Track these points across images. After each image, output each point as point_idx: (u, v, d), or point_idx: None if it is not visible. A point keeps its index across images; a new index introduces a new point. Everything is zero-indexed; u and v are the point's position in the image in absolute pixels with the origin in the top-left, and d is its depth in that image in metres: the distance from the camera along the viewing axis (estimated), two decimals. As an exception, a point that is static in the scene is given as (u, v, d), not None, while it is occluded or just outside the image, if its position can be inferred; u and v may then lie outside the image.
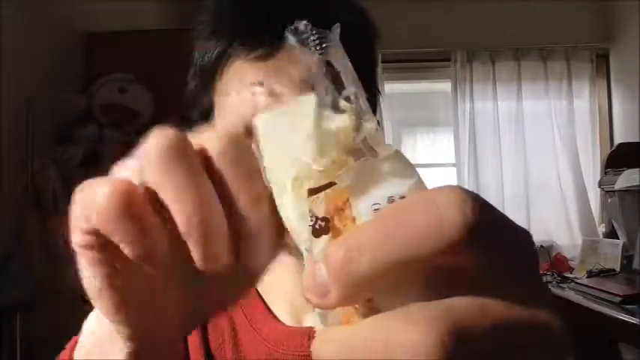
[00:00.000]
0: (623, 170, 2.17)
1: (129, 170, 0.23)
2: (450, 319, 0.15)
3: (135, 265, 0.21)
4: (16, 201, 1.55)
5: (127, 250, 0.21)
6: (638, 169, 2.06)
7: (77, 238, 0.22)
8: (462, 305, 0.16)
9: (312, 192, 0.19)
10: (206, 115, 0.58)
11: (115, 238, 0.21)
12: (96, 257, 0.22)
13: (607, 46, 3.13)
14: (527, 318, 0.17)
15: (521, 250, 0.18)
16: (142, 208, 0.21)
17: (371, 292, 0.17)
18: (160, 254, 0.21)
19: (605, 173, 2.40)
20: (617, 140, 3.01)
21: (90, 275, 0.22)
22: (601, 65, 3.15)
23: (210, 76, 0.55)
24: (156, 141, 0.22)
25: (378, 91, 0.63)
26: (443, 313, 0.16)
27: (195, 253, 0.21)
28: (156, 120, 1.73)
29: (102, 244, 0.22)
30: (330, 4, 0.55)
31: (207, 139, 0.23)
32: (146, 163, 0.22)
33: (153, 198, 0.22)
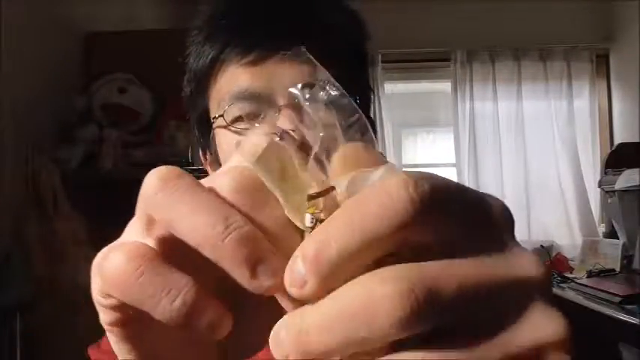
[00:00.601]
0: (623, 170, 2.17)
1: (135, 227, 0.22)
2: (419, 275, 0.18)
3: (165, 333, 0.21)
4: (16, 201, 1.55)
5: (158, 315, 0.20)
6: (638, 169, 2.06)
7: (103, 316, 0.22)
8: (431, 264, 0.18)
9: (312, 197, 0.21)
10: (203, 118, 0.58)
11: (141, 305, 0.20)
12: (124, 334, 0.22)
13: (607, 46, 3.13)
14: (494, 273, 0.19)
15: (482, 215, 0.20)
16: (160, 266, 0.20)
17: (346, 278, 0.18)
18: (195, 311, 0.20)
19: (605, 173, 2.40)
20: (617, 140, 3.01)
21: (121, 351, 0.22)
22: (601, 65, 3.15)
23: (204, 81, 0.56)
24: (150, 179, 0.21)
25: (372, 90, 0.64)
26: (413, 270, 0.18)
27: (237, 271, 0.19)
28: (156, 120, 1.71)
29: (129, 318, 0.21)
30: (321, 7, 0.55)
31: (218, 178, 0.21)
32: (145, 204, 0.21)
33: (175, 253, 0.21)
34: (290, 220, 0.21)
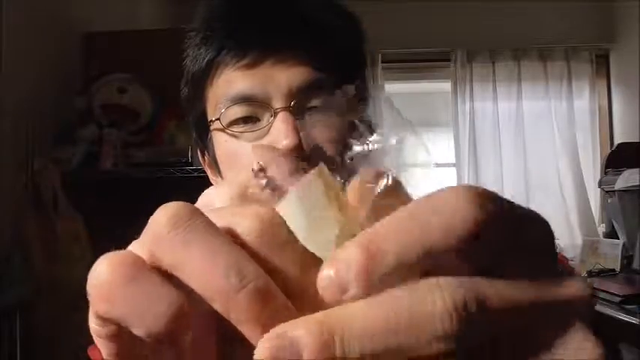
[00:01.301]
0: (623, 170, 2.17)
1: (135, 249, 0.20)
2: (471, 287, 0.17)
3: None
4: (16, 201, 1.55)
5: (137, 330, 0.18)
6: (638, 169, 2.06)
7: (102, 350, 0.20)
8: (481, 280, 0.18)
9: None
10: (201, 121, 0.58)
11: (121, 319, 0.18)
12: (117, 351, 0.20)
13: (607, 47, 3.13)
14: (543, 294, 0.18)
15: (532, 236, 0.19)
16: (147, 277, 0.18)
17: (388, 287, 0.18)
18: (180, 327, 0.18)
19: (605, 173, 2.40)
20: (617, 140, 3.01)
21: None
22: (601, 65, 3.16)
23: (201, 84, 0.56)
24: (159, 215, 0.19)
25: (369, 92, 0.64)
26: (464, 282, 0.17)
27: (248, 326, 0.18)
28: (156, 120, 1.71)
29: (127, 351, 0.20)
30: (317, 9, 0.55)
31: (239, 221, 0.19)
32: (152, 242, 0.19)
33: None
34: (312, 262, 0.19)
